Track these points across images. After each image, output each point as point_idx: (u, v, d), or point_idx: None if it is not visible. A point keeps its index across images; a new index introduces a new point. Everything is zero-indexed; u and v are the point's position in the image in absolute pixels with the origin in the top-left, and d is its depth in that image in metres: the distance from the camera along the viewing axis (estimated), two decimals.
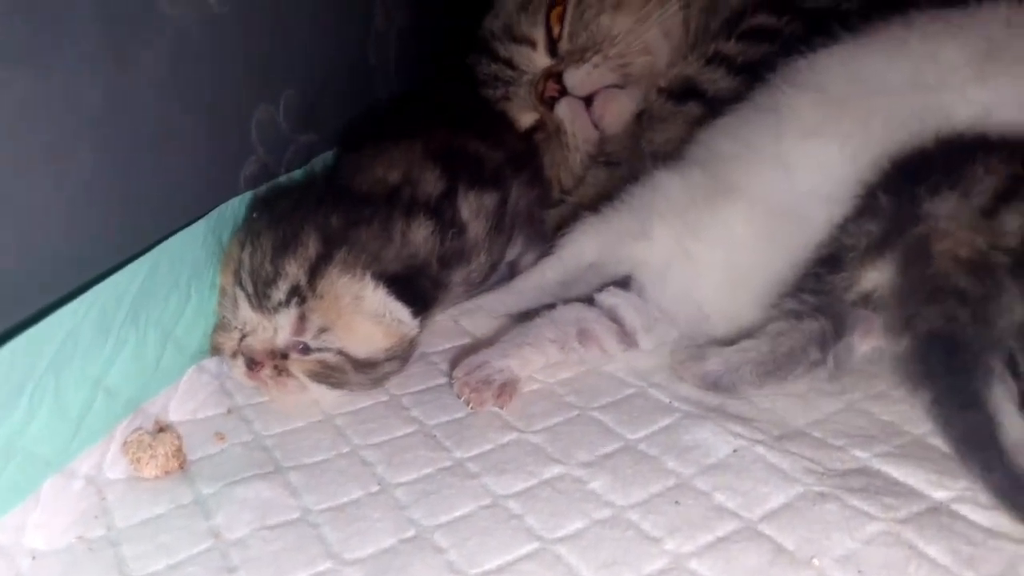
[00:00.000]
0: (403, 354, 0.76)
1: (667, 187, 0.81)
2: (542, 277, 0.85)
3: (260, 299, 0.71)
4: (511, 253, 0.91)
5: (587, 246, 0.83)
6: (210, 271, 0.73)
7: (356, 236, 0.73)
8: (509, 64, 1.05)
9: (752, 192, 0.76)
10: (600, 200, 0.88)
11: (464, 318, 0.86)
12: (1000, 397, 0.58)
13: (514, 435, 0.68)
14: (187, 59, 0.68)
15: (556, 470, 0.64)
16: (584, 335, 0.78)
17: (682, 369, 0.72)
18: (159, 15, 0.64)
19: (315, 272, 0.71)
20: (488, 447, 0.67)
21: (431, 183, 0.80)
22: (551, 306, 0.82)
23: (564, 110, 1.01)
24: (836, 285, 0.67)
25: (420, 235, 0.76)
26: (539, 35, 1.04)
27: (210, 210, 0.72)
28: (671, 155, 0.88)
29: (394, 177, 0.79)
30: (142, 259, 0.65)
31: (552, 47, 1.03)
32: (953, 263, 0.61)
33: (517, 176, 0.92)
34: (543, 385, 0.75)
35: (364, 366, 0.73)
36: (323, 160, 0.87)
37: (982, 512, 0.57)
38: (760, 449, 0.64)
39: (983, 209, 0.63)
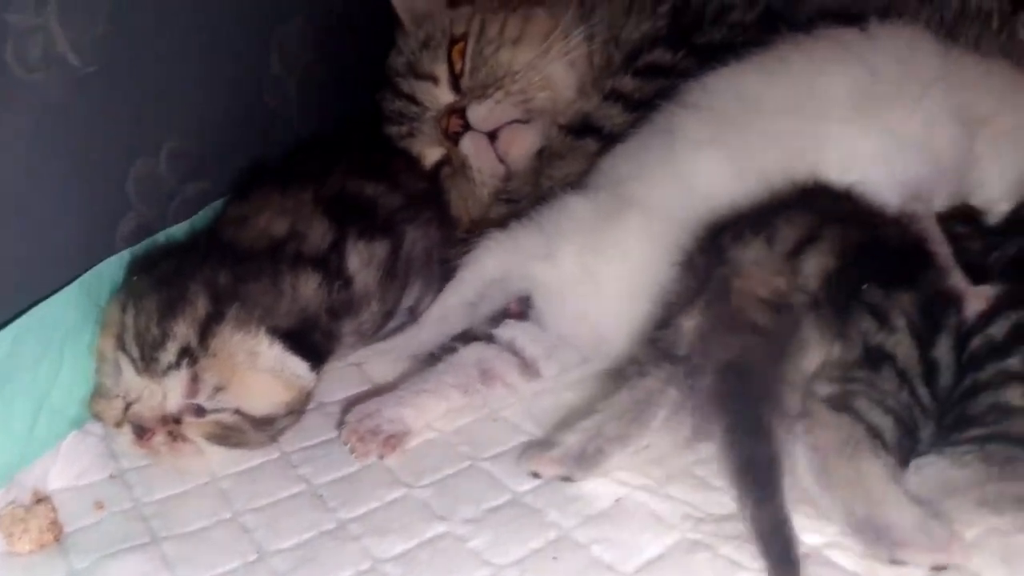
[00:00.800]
0: (300, 407, 0.75)
1: (574, 208, 0.81)
2: (445, 303, 0.84)
3: (147, 363, 0.69)
4: (408, 299, 0.90)
5: (490, 263, 0.83)
6: (87, 333, 0.71)
7: (247, 292, 0.72)
8: (413, 100, 1.05)
9: (650, 204, 0.77)
10: None
11: (369, 364, 0.85)
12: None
13: (402, 491, 0.68)
14: (51, 119, 0.66)
15: (439, 528, 0.63)
16: (486, 375, 0.78)
17: (536, 465, 0.67)
18: (14, 80, 0.62)
19: (206, 331, 0.69)
20: (374, 505, 0.66)
21: (319, 235, 0.79)
22: (452, 349, 0.81)
23: (468, 145, 1.01)
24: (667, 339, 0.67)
25: (309, 288, 0.75)
26: (441, 71, 1.04)
27: (84, 271, 0.70)
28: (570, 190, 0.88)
29: (279, 229, 0.78)
30: (7, 329, 0.63)
31: (455, 83, 1.03)
32: (751, 300, 0.63)
33: (415, 219, 0.91)
34: (439, 434, 0.74)
35: (263, 423, 0.72)
36: (213, 209, 0.86)
37: (855, 559, 0.57)
38: (642, 496, 0.64)
39: (785, 254, 0.65)
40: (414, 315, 0.91)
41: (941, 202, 0.78)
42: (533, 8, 1.07)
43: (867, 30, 0.82)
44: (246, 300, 0.71)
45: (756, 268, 0.66)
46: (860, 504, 0.56)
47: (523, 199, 0.97)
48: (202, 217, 0.84)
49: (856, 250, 0.67)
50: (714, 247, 0.69)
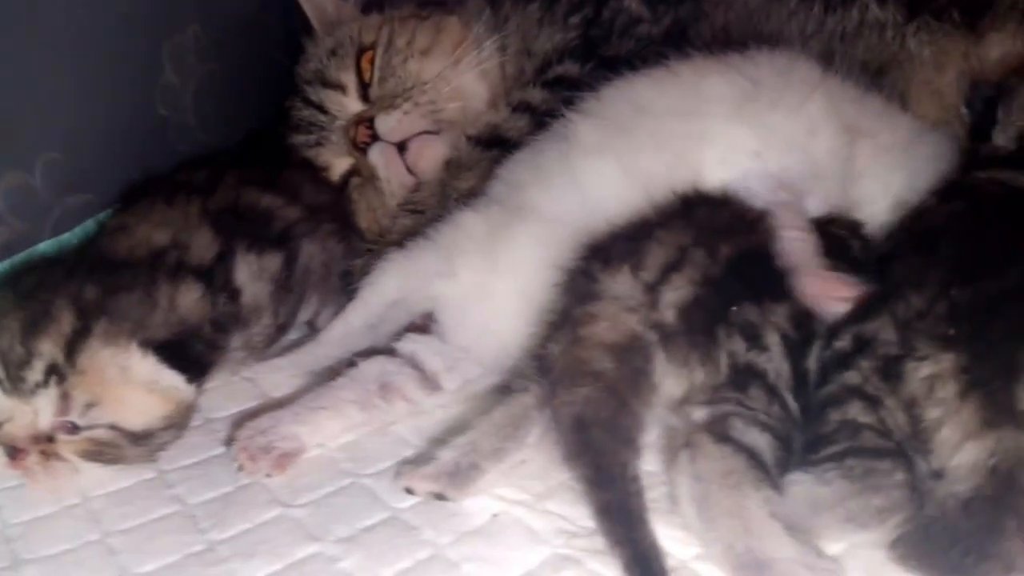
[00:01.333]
0: (181, 421, 0.73)
1: (469, 223, 0.81)
2: (347, 324, 0.82)
3: (14, 383, 0.67)
4: (306, 313, 0.89)
5: (390, 284, 0.82)
6: None
7: (116, 305, 0.70)
8: (321, 109, 1.03)
9: (544, 213, 0.77)
10: None
11: (263, 378, 0.83)
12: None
13: (277, 511, 0.66)
14: None
15: (311, 549, 0.62)
16: (386, 389, 0.77)
17: (410, 481, 0.66)
18: None
19: (73, 347, 0.67)
20: (247, 526, 0.65)
21: (203, 246, 0.78)
22: (351, 363, 0.80)
23: (377, 156, 1.00)
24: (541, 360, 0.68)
25: (189, 299, 0.74)
26: (350, 80, 1.03)
27: None
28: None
29: (160, 239, 0.77)
30: None
31: (364, 92, 1.02)
32: (597, 348, 0.63)
33: (313, 232, 0.90)
34: (323, 450, 0.73)
35: (141, 438, 0.70)
36: (98, 222, 0.83)
37: (721, 572, 0.57)
38: (519, 511, 0.64)
39: (648, 285, 0.66)
40: (312, 329, 0.90)
41: (815, 205, 0.78)
42: (445, 18, 1.07)
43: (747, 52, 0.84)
44: (115, 313, 0.69)
45: (610, 306, 0.65)
46: (740, 538, 0.56)
47: (428, 210, 0.96)
48: (84, 231, 0.82)
49: (727, 267, 0.67)
50: (586, 273, 0.69)
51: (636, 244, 0.69)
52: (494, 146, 0.96)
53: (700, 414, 0.63)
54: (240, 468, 0.70)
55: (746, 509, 0.57)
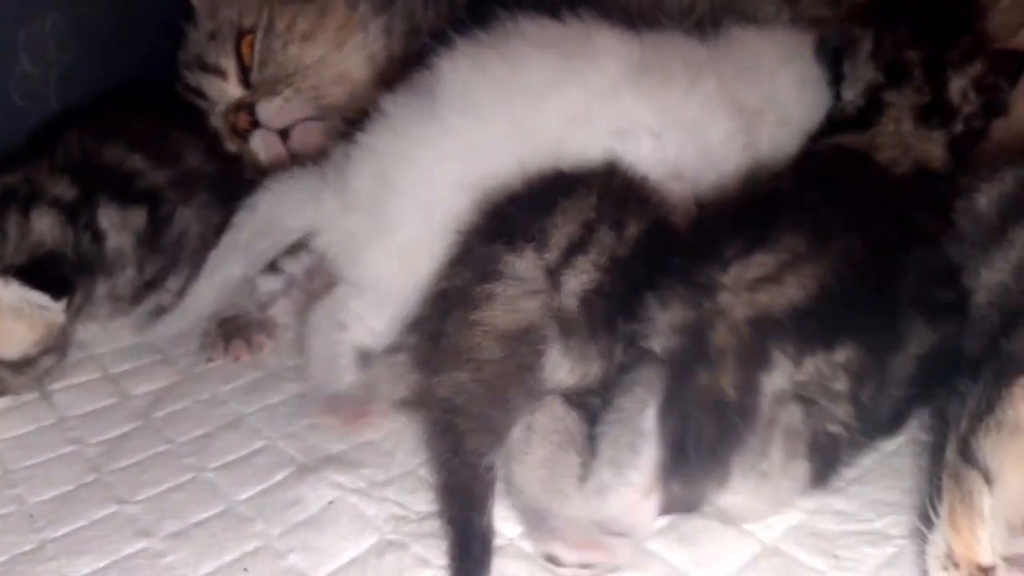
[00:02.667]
0: (57, 345, 0.76)
1: (355, 156, 0.78)
2: (220, 247, 0.81)
3: None
4: (176, 281, 0.88)
5: (264, 204, 0.80)
6: None
7: None
8: (200, 94, 1.01)
9: (423, 167, 0.74)
10: None
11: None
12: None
13: (113, 507, 0.65)
14: None
15: (139, 545, 0.61)
16: (342, 326, 0.76)
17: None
18: None
19: None
20: (81, 523, 0.64)
21: (61, 187, 0.81)
22: None
23: (258, 143, 0.98)
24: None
25: (43, 224, 0.77)
26: (230, 64, 1.00)
27: None
28: None
29: (10, 180, 0.80)
30: None
31: (245, 77, 1.00)
32: (488, 336, 0.61)
33: (188, 199, 0.90)
34: (169, 446, 0.72)
35: (20, 366, 0.74)
36: None
37: None
38: (354, 499, 0.63)
39: (551, 268, 0.63)
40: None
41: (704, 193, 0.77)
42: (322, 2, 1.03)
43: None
44: None
45: (511, 289, 0.62)
46: (539, 488, 0.57)
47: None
48: None
49: (634, 248, 0.65)
50: (488, 249, 0.65)
51: (540, 219, 0.64)
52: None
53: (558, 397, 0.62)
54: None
55: (557, 465, 0.58)
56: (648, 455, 0.54)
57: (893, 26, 0.77)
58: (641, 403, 0.55)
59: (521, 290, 0.62)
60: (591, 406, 0.60)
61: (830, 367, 0.56)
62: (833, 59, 0.78)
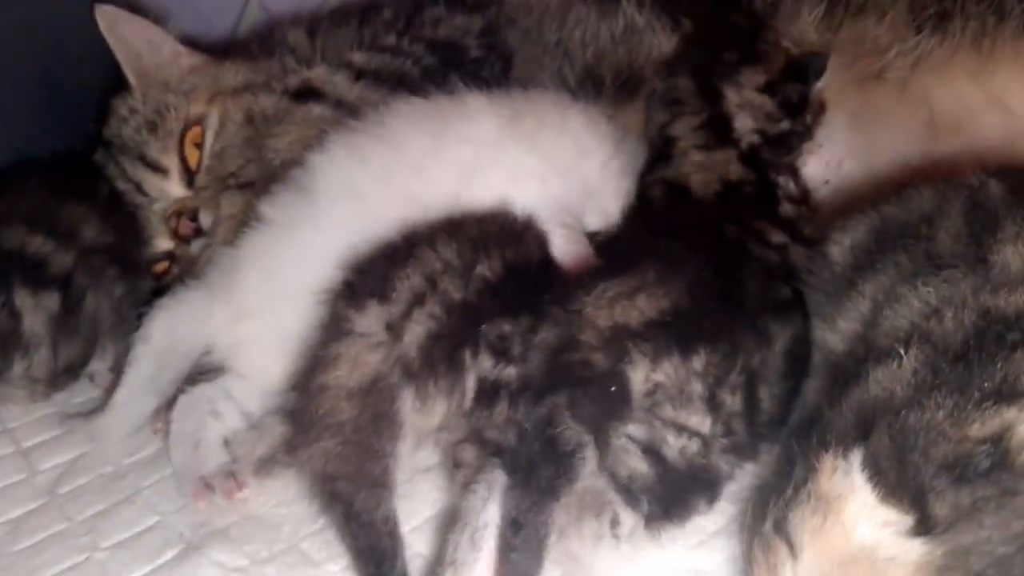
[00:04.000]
0: None
1: (221, 258, 0.81)
2: (131, 384, 0.81)
3: None
4: (105, 361, 0.90)
5: (159, 336, 0.80)
6: None
7: None
8: (139, 188, 0.98)
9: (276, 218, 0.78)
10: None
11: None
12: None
13: None
14: None
15: None
16: (216, 415, 0.78)
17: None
18: None
19: None
20: None
21: None
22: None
23: (199, 248, 0.94)
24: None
25: None
26: (173, 163, 0.96)
27: None
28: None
29: None
30: None
31: (189, 177, 0.96)
32: (339, 396, 0.64)
33: (99, 280, 0.89)
34: (69, 524, 0.74)
35: None
36: None
37: None
38: None
39: (392, 320, 0.66)
40: (92, 379, 0.91)
41: (593, 222, 0.81)
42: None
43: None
44: None
45: (354, 346, 0.66)
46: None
47: (255, 180, 0.91)
48: None
49: (481, 289, 0.68)
50: (337, 310, 0.69)
51: (388, 275, 0.69)
52: (308, 98, 0.93)
53: (456, 436, 0.66)
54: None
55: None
56: (488, 544, 0.56)
57: (671, 67, 0.83)
58: (482, 500, 0.58)
59: (363, 345, 0.66)
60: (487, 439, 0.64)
61: (686, 372, 0.60)
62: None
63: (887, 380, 0.56)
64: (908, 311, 0.61)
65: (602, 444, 0.58)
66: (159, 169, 0.97)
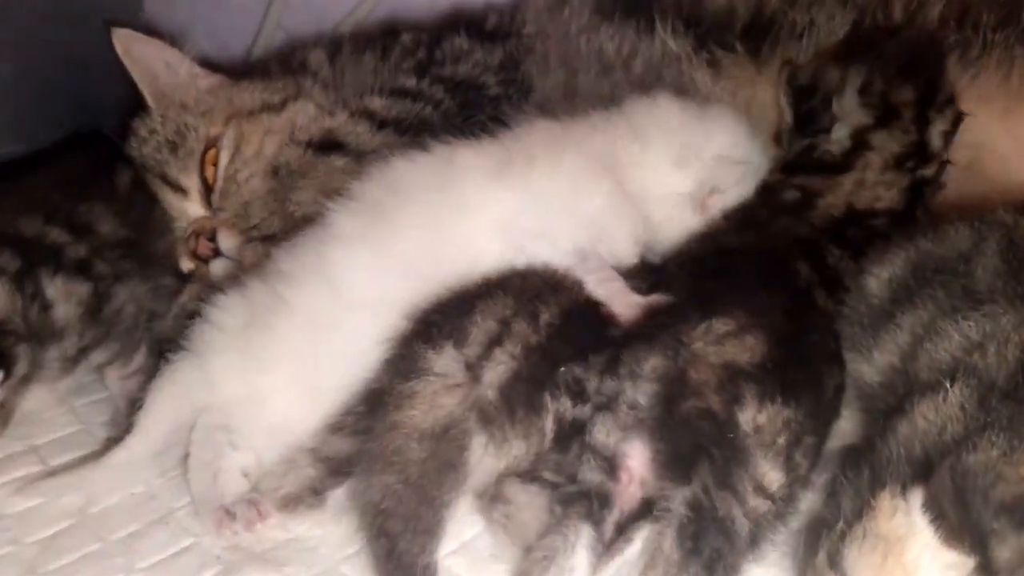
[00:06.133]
0: None
1: (220, 317, 0.79)
2: (129, 453, 0.78)
3: None
4: (101, 355, 0.89)
5: (165, 411, 0.78)
6: None
7: None
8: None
9: (302, 307, 0.76)
10: None
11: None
12: None
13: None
14: None
15: None
16: (235, 445, 0.76)
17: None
18: None
19: None
20: None
21: (3, 257, 0.82)
22: None
23: (219, 270, 0.94)
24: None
25: None
26: (192, 184, 0.97)
27: None
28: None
29: None
30: None
31: (207, 196, 0.97)
32: (411, 436, 0.65)
33: (123, 275, 0.90)
34: (103, 544, 0.74)
35: None
36: None
37: None
38: None
39: (470, 361, 0.66)
40: (102, 374, 0.91)
41: (624, 252, 0.79)
42: (295, 109, 1.00)
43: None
44: None
45: (431, 385, 0.66)
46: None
47: (275, 232, 0.91)
48: None
49: (549, 333, 0.69)
50: (410, 350, 0.69)
51: (459, 319, 0.69)
52: (330, 150, 0.93)
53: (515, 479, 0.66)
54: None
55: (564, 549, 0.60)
56: None
57: (883, 66, 0.79)
58: (570, 546, 0.58)
59: (441, 385, 0.66)
60: (543, 477, 0.65)
61: (781, 422, 0.61)
62: (797, 98, 0.82)
63: (933, 414, 0.57)
64: (949, 345, 0.62)
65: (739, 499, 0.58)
66: (179, 189, 0.98)
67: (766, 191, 0.80)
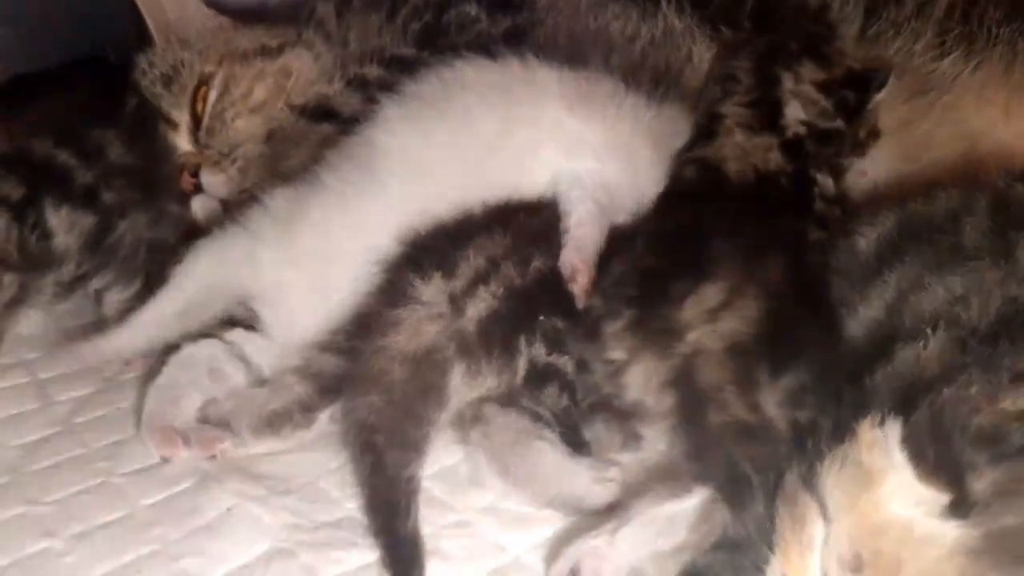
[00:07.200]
0: None
1: (274, 204, 0.81)
2: (159, 310, 0.81)
3: None
4: (99, 282, 0.90)
5: (202, 271, 0.81)
6: None
7: None
8: None
9: (337, 187, 0.78)
10: None
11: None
12: None
13: (22, 508, 0.68)
14: None
15: (42, 544, 0.64)
16: (215, 374, 0.77)
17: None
18: None
19: None
20: None
21: (6, 186, 0.83)
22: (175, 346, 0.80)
23: (198, 207, 0.96)
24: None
25: None
26: (183, 119, 0.98)
27: None
28: None
29: None
30: None
31: (196, 131, 0.98)
32: (395, 358, 0.67)
33: (126, 206, 0.91)
34: (85, 450, 0.74)
35: None
36: None
37: None
38: (252, 506, 0.66)
39: (455, 295, 0.68)
40: (99, 300, 0.91)
41: (621, 216, 0.79)
42: (291, 60, 1.01)
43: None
44: None
45: (415, 313, 0.68)
46: (544, 489, 0.63)
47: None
48: None
49: (535, 280, 0.70)
50: (400, 277, 0.71)
51: (452, 252, 0.71)
52: (323, 119, 0.94)
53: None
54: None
55: (540, 464, 0.64)
56: None
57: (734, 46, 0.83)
58: None
59: (425, 314, 0.68)
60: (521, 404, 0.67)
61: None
62: None
63: (915, 358, 0.58)
64: (934, 298, 0.63)
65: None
66: (170, 122, 0.99)
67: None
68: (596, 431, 0.67)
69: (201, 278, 0.81)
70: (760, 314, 0.63)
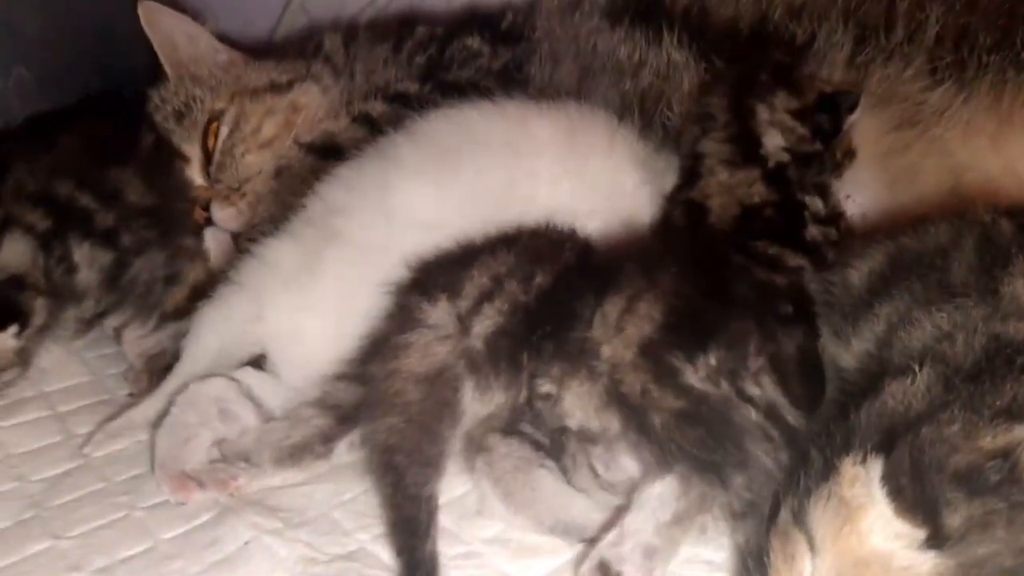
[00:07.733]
0: (10, 364, 0.83)
1: (274, 256, 0.83)
2: (179, 380, 0.82)
3: None
4: (116, 319, 0.94)
5: (209, 340, 0.83)
6: None
7: None
8: None
9: (356, 237, 0.81)
10: None
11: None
12: None
13: (47, 543, 0.70)
14: None
15: None
16: (225, 415, 0.79)
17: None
18: None
19: None
20: (14, 559, 0.69)
21: (33, 216, 0.87)
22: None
23: (210, 239, 1.00)
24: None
25: (16, 249, 0.83)
26: (194, 153, 1.02)
27: None
28: None
29: None
30: None
31: (207, 166, 1.01)
32: (408, 380, 0.69)
33: (142, 246, 0.94)
34: (107, 484, 0.77)
35: None
36: None
37: None
38: (269, 539, 0.69)
39: (461, 314, 0.71)
40: (118, 338, 0.94)
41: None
42: (299, 96, 1.04)
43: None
44: None
45: (424, 336, 0.71)
46: (545, 515, 0.66)
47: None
48: None
49: (539, 296, 0.73)
50: (408, 302, 0.74)
51: (457, 273, 0.73)
52: (330, 155, 0.96)
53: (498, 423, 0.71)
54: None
55: (540, 490, 0.68)
56: None
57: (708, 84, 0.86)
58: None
59: (434, 336, 0.71)
60: (521, 430, 0.70)
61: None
62: None
63: (902, 394, 0.60)
64: (922, 334, 0.65)
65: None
66: (183, 157, 1.02)
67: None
68: (571, 457, 0.70)
69: (211, 346, 0.83)
70: (662, 311, 0.67)
